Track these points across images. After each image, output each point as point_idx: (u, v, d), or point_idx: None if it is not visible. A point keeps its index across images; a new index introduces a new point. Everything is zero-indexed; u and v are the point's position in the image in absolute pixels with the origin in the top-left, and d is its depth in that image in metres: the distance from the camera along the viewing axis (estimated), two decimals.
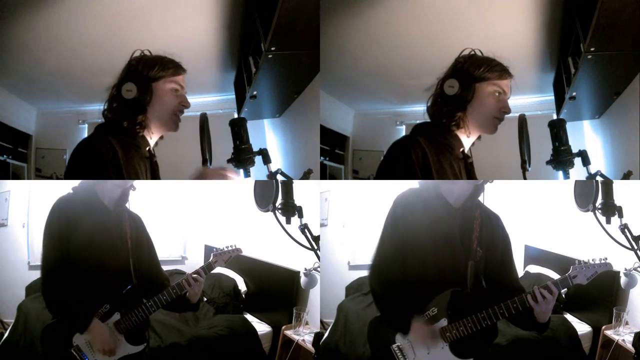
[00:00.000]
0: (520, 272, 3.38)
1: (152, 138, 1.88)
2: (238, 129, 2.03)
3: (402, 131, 4.09)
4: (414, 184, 1.81)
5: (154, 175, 1.89)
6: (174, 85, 1.85)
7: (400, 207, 1.79)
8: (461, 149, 1.84)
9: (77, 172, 1.77)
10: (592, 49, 2.58)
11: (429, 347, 1.70)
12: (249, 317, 3.47)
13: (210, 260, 1.93)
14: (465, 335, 1.68)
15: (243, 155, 2.01)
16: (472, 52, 1.86)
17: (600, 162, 3.20)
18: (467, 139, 1.85)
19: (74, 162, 1.77)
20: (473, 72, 1.81)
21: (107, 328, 1.82)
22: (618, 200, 2.04)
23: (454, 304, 1.69)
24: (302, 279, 3.14)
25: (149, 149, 1.86)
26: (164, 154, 1.95)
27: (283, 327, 3.20)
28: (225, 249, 1.95)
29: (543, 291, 1.64)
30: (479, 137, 1.88)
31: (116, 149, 1.73)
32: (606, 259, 1.67)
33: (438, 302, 1.70)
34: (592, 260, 1.67)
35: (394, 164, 1.79)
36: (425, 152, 1.73)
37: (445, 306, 1.69)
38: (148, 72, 1.82)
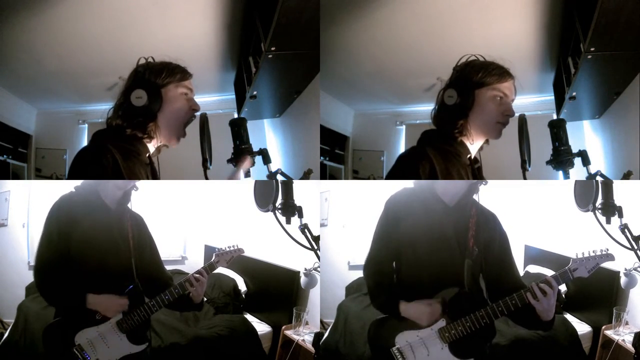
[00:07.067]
0: (520, 272, 3.38)
1: (155, 145, 1.84)
2: (238, 129, 2.03)
3: (402, 131, 4.10)
4: (408, 183, 1.81)
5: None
6: (183, 89, 1.81)
7: (393, 207, 1.80)
8: (468, 156, 1.82)
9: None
10: (592, 49, 2.58)
11: (429, 326, 1.69)
12: (249, 317, 3.47)
13: (212, 260, 1.93)
14: (465, 335, 1.67)
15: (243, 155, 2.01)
16: (473, 58, 1.83)
17: (600, 162, 3.19)
18: (471, 146, 1.83)
19: (75, 172, 1.74)
20: (471, 79, 1.78)
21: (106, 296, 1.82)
22: (618, 200, 2.04)
23: (452, 303, 1.68)
24: (302, 279, 3.15)
25: (149, 155, 1.84)
26: (163, 154, 1.94)
27: (283, 327, 3.21)
28: (228, 249, 1.95)
29: (542, 285, 1.62)
30: (486, 141, 1.86)
31: (116, 157, 1.70)
32: (607, 249, 1.64)
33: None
34: (593, 252, 1.65)
35: (403, 177, 1.78)
36: (433, 163, 1.72)
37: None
38: (156, 79, 1.78)
